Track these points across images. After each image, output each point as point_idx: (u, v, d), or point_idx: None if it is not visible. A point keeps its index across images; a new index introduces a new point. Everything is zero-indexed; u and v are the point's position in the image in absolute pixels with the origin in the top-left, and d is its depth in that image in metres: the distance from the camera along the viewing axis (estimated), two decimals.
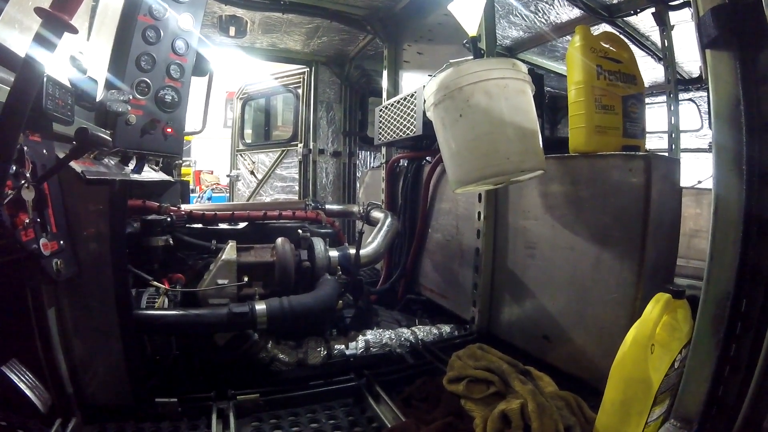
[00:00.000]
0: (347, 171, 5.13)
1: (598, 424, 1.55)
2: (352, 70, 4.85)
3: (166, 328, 1.85)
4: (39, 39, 0.98)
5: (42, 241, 1.30)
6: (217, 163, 13.26)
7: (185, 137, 2.95)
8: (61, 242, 1.41)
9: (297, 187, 4.97)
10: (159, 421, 1.72)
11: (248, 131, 5.76)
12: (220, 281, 2.04)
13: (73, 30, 1.03)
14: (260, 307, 1.91)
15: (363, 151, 5.30)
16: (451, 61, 1.80)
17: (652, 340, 1.47)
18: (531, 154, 1.74)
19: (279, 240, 2.28)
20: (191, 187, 10.96)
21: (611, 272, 1.83)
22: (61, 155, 1.38)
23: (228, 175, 5.92)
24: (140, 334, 1.81)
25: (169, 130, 2.39)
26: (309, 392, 1.93)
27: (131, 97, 2.09)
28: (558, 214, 2.07)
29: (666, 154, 2.20)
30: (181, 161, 4.45)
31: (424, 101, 1.93)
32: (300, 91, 4.98)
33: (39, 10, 0.98)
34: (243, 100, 5.61)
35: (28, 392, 1.40)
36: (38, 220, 1.30)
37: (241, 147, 5.66)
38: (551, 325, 2.08)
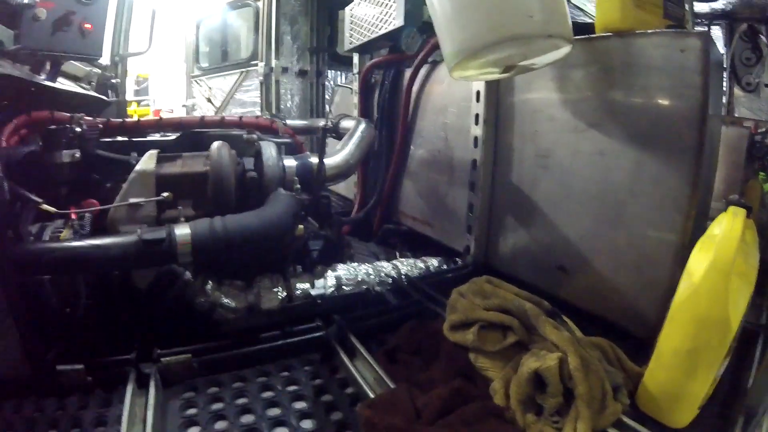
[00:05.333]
0: (315, 92, 4.69)
1: (650, 380, 1.16)
2: None
3: (56, 266, 1.33)
4: None
5: None
6: (177, 103, 12.64)
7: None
8: None
9: (258, 113, 4.48)
10: (65, 396, 1.33)
11: (204, 50, 5.25)
12: (133, 200, 1.54)
13: None
14: (182, 231, 1.40)
15: (333, 71, 4.86)
16: None
17: (733, 267, 1.07)
18: (559, 15, 1.31)
19: (215, 144, 1.77)
20: None
21: (656, 182, 1.47)
22: None
23: (183, 105, 5.58)
24: (32, 279, 1.38)
25: (87, 25, 2.15)
26: (261, 348, 1.52)
27: None
28: (582, 110, 1.67)
29: None
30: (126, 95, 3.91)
31: None
32: (260, 3, 4.43)
33: None
34: (197, 19, 5.16)
35: None
36: None
37: (196, 72, 5.24)
38: (569, 253, 1.75)
